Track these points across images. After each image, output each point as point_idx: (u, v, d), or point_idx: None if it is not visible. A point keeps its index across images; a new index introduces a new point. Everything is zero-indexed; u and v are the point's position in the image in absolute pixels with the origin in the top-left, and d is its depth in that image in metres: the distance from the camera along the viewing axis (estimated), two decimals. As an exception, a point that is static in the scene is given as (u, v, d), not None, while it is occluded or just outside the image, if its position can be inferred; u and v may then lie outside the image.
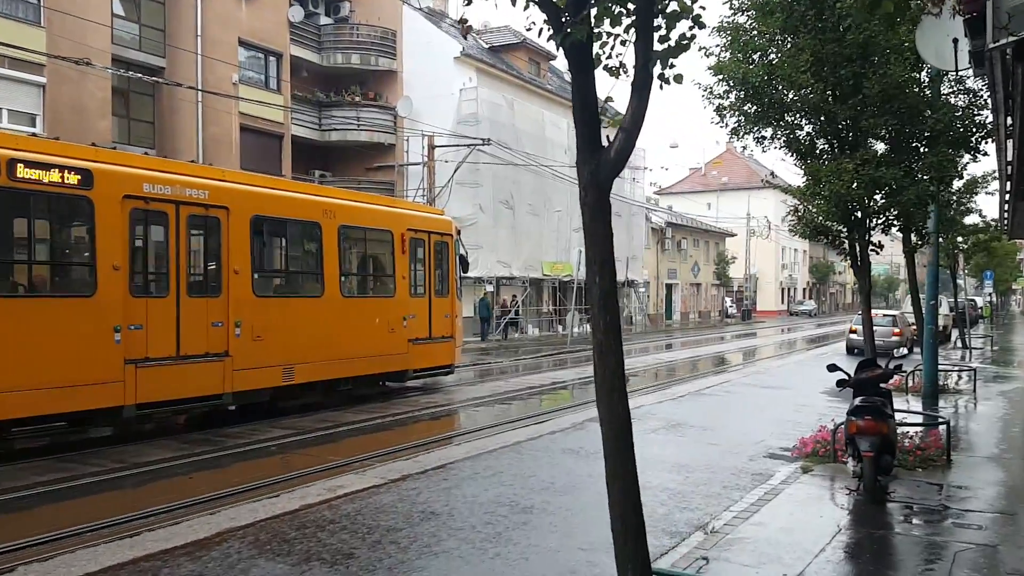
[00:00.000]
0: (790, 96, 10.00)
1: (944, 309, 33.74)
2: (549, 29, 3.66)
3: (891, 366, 8.91)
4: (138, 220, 10.60)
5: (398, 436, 11.92)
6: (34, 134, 20.68)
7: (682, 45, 3.51)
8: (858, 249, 10.26)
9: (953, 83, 12.52)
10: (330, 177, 32.80)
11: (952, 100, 11.22)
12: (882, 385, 8.72)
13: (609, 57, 3.78)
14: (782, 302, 79.01)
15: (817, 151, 10.29)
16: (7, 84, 21.29)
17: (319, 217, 13.27)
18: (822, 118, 9.72)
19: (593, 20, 3.54)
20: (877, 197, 9.65)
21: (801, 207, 10.48)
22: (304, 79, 32.37)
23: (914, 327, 22.26)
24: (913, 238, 13.68)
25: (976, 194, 22.75)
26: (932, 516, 7.46)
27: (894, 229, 11.02)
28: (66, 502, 8.21)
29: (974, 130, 9.75)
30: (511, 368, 23.89)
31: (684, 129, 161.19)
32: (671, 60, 3.63)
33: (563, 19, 3.58)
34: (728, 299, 65.92)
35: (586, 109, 3.58)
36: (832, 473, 9.03)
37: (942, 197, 15.91)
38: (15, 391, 9.14)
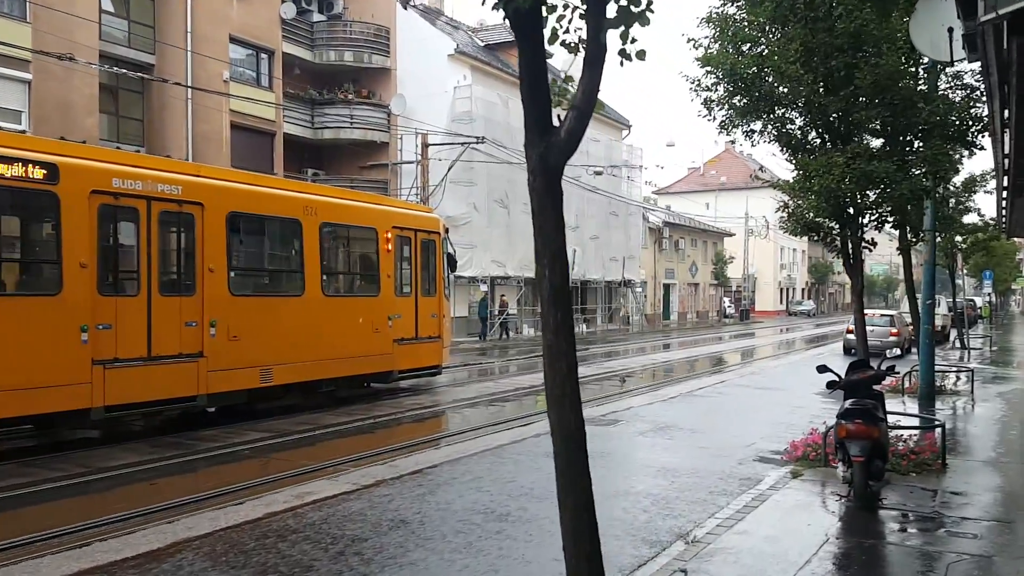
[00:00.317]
0: (780, 89, 9.65)
1: (942, 309, 33.46)
2: None
3: (883, 367, 8.59)
4: (107, 216, 10.26)
5: (378, 439, 11.58)
6: (22, 131, 20.46)
7: (637, 14, 3.17)
8: (850, 247, 9.92)
9: (951, 78, 12.21)
10: (323, 176, 32.49)
11: (949, 95, 10.89)
12: (874, 387, 8.40)
13: (567, 32, 3.45)
14: (781, 302, 78.70)
15: (808, 145, 9.95)
16: (-8, 80, 20.98)
17: (299, 214, 12.93)
18: (813, 110, 9.38)
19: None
20: (870, 192, 9.31)
21: (791, 203, 10.13)
22: (297, 76, 32.06)
23: (911, 327, 21.90)
24: (908, 235, 13.34)
25: (975, 192, 22.47)
26: (925, 524, 7.12)
27: (888, 226, 10.67)
28: (21, 509, 7.87)
29: (970, 123, 9.41)
30: (503, 368, 23.60)
31: (683, 129, 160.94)
32: (631, 34, 3.29)
33: None
34: (726, 299, 65.61)
35: (534, 86, 3.25)
36: (823, 478, 8.70)
37: (938, 193, 15.62)
38: (-24, 393, 8.81)
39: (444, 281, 16.82)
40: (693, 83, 10.05)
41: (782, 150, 10.11)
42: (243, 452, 10.31)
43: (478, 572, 5.90)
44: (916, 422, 11.13)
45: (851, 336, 25.05)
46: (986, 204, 32.51)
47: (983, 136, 9.50)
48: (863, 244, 10.02)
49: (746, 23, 9.98)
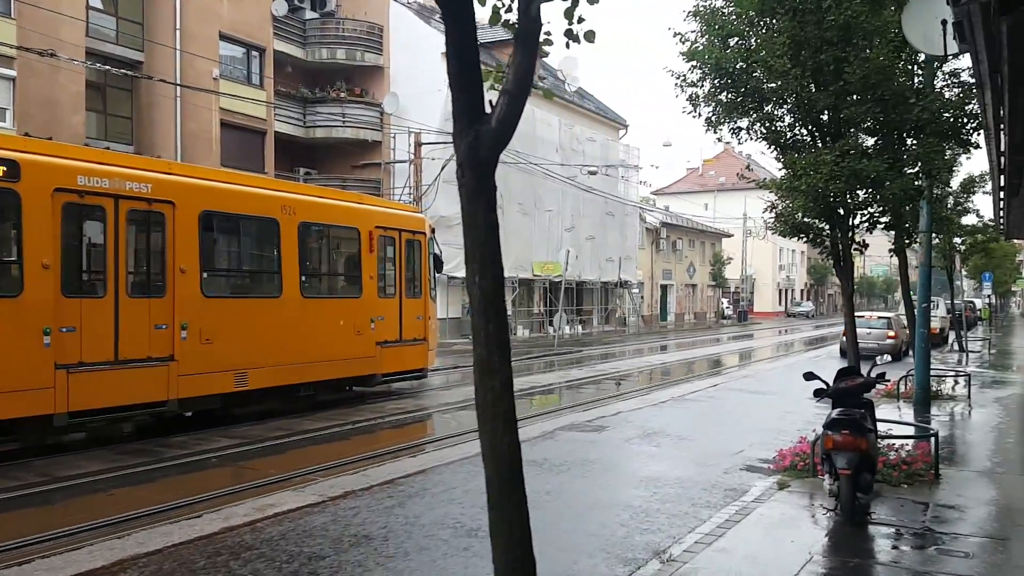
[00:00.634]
0: (768, 84, 9.29)
1: (941, 311, 33.12)
2: None
3: (873, 374, 8.23)
4: (71, 215, 9.91)
5: (353, 446, 11.22)
6: (6, 129, 20.12)
7: (577, -13, 2.83)
8: (841, 248, 9.56)
9: (947, 76, 11.86)
10: (315, 175, 32.14)
11: (944, 93, 10.54)
12: (864, 395, 8.06)
13: (508, 10, 3.10)
14: (780, 303, 78.34)
15: (797, 143, 9.59)
16: (-26, 77, 20.66)
17: (277, 213, 12.57)
18: (801, 106, 9.02)
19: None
20: (860, 192, 8.95)
21: (779, 203, 9.76)
22: (288, 74, 31.70)
23: (909, 330, 21.53)
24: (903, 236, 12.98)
25: (974, 193, 22.14)
26: (915, 541, 6.77)
27: (880, 227, 10.31)
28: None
29: (964, 120, 9.04)
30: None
31: (681, 129, 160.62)
32: (578, 12, 2.94)
33: None
34: (724, 300, 65.26)
35: (463, 68, 2.91)
36: (810, 490, 8.35)
37: (936, 194, 15.24)
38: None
39: (430, 282, 16.46)
40: (678, 78, 9.69)
41: (770, 148, 9.75)
42: (210, 460, 9.94)
43: (437, 594, 5.56)
44: (909, 431, 10.77)
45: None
46: (985, 205, 32.17)
47: (978, 134, 9.14)
48: (854, 246, 9.67)
49: (734, 16, 9.63)
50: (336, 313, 13.89)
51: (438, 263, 16.92)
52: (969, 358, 26.44)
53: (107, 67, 22.86)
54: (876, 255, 64.21)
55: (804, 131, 9.56)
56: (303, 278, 13.16)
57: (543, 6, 2.98)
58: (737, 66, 9.41)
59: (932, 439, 9.09)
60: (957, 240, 25.11)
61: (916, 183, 8.92)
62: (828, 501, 7.69)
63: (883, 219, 9.97)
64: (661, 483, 8.85)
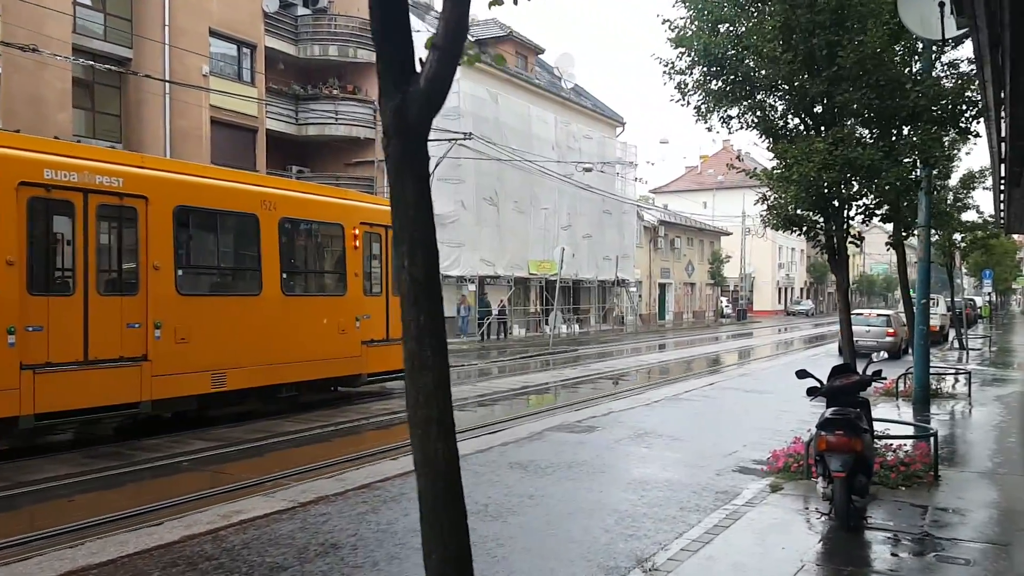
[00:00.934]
0: (760, 72, 8.93)
1: (941, 309, 32.78)
2: None
3: (869, 372, 7.87)
4: (38, 210, 9.55)
5: (333, 449, 10.86)
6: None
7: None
8: (836, 241, 9.19)
9: (946, 67, 11.54)
10: (308, 173, 31.81)
11: (943, 82, 10.20)
12: (860, 394, 7.70)
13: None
14: (779, 302, 77.98)
15: (788, 132, 9.22)
16: (-46, 73, 20.31)
17: (257, 209, 12.21)
18: (793, 93, 8.65)
19: None
20: (854, 182, 8.58)
21: (771, 195, 9.38)
22: (280, 71, 31.35)
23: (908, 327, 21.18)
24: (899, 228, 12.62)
25: (973, 189, 21.82)
26: (913, 548, 6.41)
27: (877, 219, 9.95)
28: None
29: (964, 107, 8.67)
30: (487, 370, 22.89)
31: (680, 126, 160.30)
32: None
33: None
34: (724, 299, 64.90)
35: (387, 17, 2.55)
36: (804, 492, 8.00)
37: (935, 190, 14.89)
38: None
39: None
40: (666, 66, 9.33)
41: (761, 137, 9.39)
42: (181, 464, 9.57)
43: (401, 608, 5.21)
44: (907, 430, 10.41)
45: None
46: (985, 201, 31.81)
47: (977, 122, 8.78)
48: (849, 239, 9.30)
49: (725, 3, 9.27)
50: (319, 311, 13.53)
51: (427, 260, 16.54)
52: (969, 356, 26.10)
53: (95, 63, 22.49)
54: (876, 252, 63.88)
55: (797, 120, 9.19)
56: (284, 275, 12.80)
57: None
58: (728, 53, 9.06)
59: (931, 439, 8.75)
60: (957, 236, 24.79)
61: (913, 173, 8.56)
62: (822, 505, 7.34)
63: (879, 211, 9.60)
64: (650, 486, 8.50)
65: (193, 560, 5.98)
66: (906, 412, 13.16)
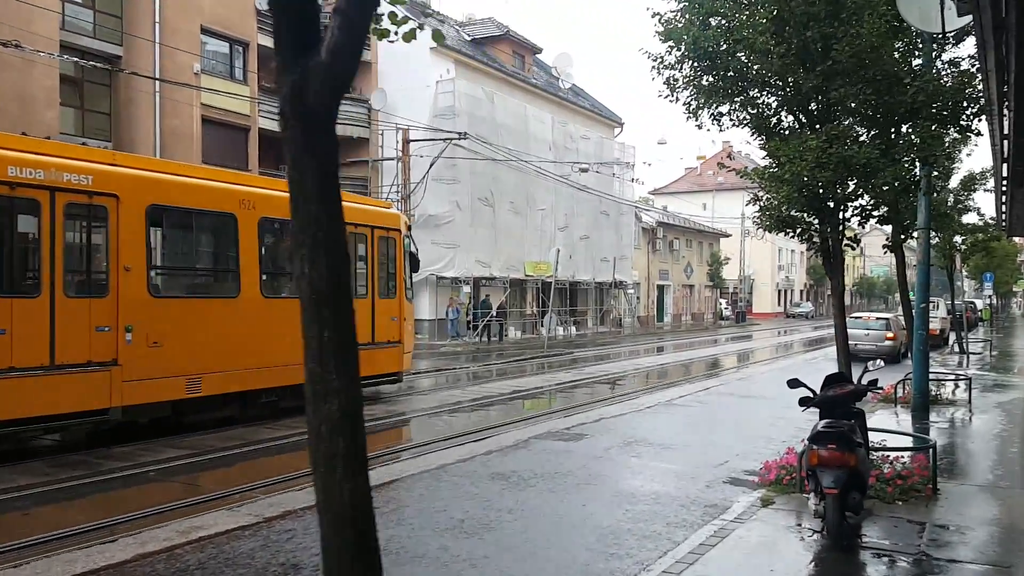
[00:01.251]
0: (752, 67, 8.55)
1: (941, 312, 32.40)
2: None
3: (864, 381, 7.50)
4: (2, 208, 9.19)
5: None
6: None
7: None
8: (831, 244, 8.81)
9: (946, 64, 11.17)
10: (301, 173, 31.42)
11: (943, 79, 9.81)
12: (854, 404, 7.33)
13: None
14: (779, 304, 77.55)
15: (782, 129, 8.84)
16: (-62, 70, 19.97)
17: (235, 208, 11.83)
18: (786, 89, 8.27)
19: None
20: (850, 182, 8.19)
21: (763, 195, 9.00)
22: (273, 70, 30.94)
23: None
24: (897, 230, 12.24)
25: (974, 191, 21.47)
26: (910, 570, 6.04)
27: (874, 221, 9.57)
28: None
29: (965, 104, 8.29)
30: (479, 373, 22.51)
31: (678, 127, 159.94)
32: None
33: None
34: (723, 301, 64.48)
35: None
36: (796, 507, 7.62)
37: (935, 190, 14.50)
38: None
39: (406, 282, 15.72)
40: (655, 60, 8.95)
41: (753, 135, 9.00)
42: (150, 474, 9.18)
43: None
44: (905, 441, 10.02)
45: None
46: (986, 203, 31.44)
47: (979, 120, 8.40)
48: (845, 241, 8.92)
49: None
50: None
51: (415, 262, 16.18)
52: (970, 360, 25.70)
53: (82, 60, 22.13)
54: (876, 254, 63.46)
55: (790, 117, 8.81)
56: (264, 277, 12.42)
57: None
58: (720, 47, 8.68)
59: (930, 451, 8.37)
60: (958, 239, 24.43)
61: (911, 172, 8.17)
62: (815, 522, 6.95)
63: (877, 212, 9.22)
64: (635, 499, 8.14)
65: (142, 582, 5.61)
66: (904, 419, 12.79)
